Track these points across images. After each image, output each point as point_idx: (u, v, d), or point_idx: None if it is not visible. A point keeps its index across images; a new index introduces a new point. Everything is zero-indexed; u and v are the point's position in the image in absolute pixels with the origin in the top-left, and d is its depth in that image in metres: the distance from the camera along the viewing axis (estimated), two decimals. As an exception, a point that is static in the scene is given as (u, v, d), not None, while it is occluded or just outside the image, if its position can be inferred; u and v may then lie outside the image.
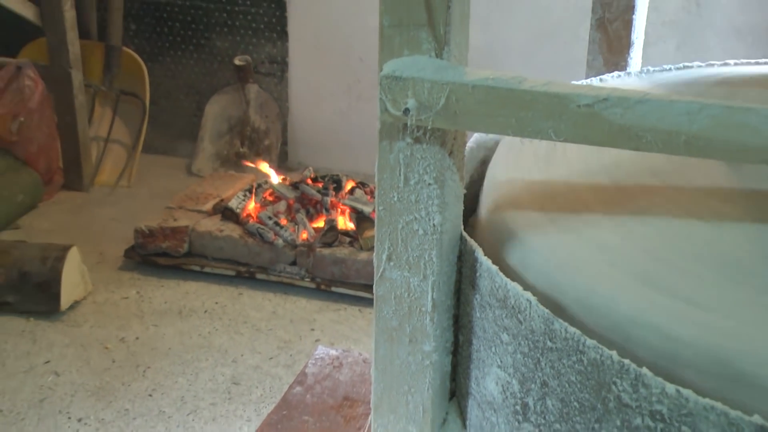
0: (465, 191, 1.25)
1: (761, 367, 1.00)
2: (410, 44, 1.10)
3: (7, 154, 3.52)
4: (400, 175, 1.15)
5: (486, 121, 1.09)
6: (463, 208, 1.24)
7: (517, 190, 1.29)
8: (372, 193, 3.27)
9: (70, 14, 3.56)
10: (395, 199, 1.16)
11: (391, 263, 1.19)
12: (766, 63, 1.71)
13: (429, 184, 1.15)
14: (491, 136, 1.47)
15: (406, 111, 1.09)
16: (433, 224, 1.16)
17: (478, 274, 1.18)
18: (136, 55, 3.86)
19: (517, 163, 1.36)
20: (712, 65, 1.70)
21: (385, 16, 1.10)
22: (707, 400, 0.98)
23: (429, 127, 1.11)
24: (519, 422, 1.15)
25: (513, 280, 1.13)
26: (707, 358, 1.03)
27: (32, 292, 2.95)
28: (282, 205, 3.26)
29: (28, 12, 3.73)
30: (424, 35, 1.10)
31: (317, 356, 1.95)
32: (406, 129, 1.12)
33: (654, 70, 1.67)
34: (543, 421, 1.11)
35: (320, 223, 3.17)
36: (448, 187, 1.16)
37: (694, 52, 3.39)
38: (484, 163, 1.44)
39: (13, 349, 2.84)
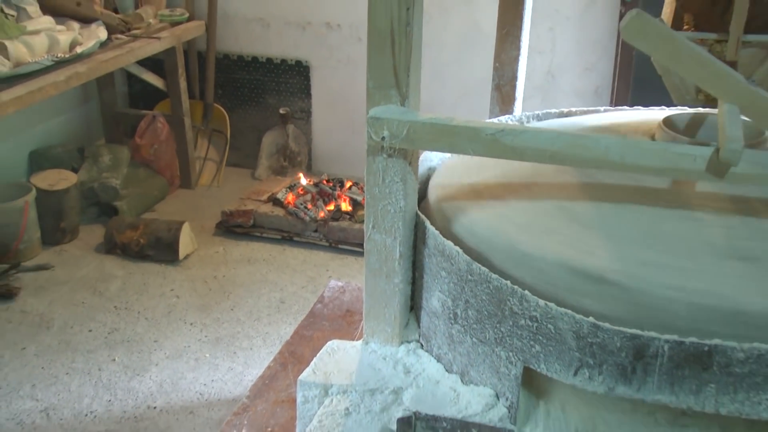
0: (418, 186, 1.22)
1: (598, 270, 0.99)
2: (385, 98, 1.08)
3: (148, 168, 3.50)
4: (379, 177, 1.13)
5: (431, 144, 1.07)
6: (417, 196, 1.22)
7: (452, 187, 1.27)
8: (362, 188, 3.24)
9: (183, 84, 3.51)
10: (377, 191, 1.14)
11: (375, 230, 1.17)
12: (594, 109, 1.70)
13: (397, 182, 1.12)
14: (435, 153, 1.44)
15: (383, 138, 1.07)
16: (400, 206, 1.14)
17: (427, 236, 1.16)
18: (222, 108, 3.80)
19: (451, 170, 1.34)
20: (563, 111, 1.68)
21: (370, 81, 1.08)
22: (563, 309, 0.96)
23: (397, 148, 1.09)
24: (452, 324, 1.13)
25: (448, 239, 1.11)
26: (566, 276, 1.01)
27: (163, 249, 2.91)
28: (309, 196, 3.22)
29: (158, 83, 3.69)
30: (393, 92, 1.07)
31: (330, 286, 1.92)
32: (383, 149, 1.10)
33: (529, 115, 1.64)
34: (466, 323, 1.09)
35: (331, 207, 3.14)
36: (408, 184, 1.14)
37: (551, 104, 3.38)
38: (430, 169, 1.41)
39: (152, 282, 2.80)
